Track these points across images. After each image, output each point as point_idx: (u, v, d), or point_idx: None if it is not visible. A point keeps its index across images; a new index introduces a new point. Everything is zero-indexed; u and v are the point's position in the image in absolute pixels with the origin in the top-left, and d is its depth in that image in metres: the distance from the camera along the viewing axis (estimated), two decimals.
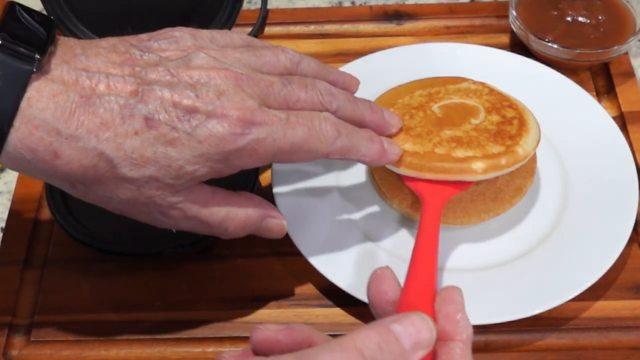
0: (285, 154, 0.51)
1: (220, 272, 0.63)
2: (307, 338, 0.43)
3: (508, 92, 0.65)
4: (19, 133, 0.45)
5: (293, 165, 0.66)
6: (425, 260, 0.49)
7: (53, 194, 0.62)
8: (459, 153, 0.58)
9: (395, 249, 0.62)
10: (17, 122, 0.45)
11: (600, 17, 0.75)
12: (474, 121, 0.61)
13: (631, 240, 0.62)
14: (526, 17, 0.75)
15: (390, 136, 0.59)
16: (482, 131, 0.60)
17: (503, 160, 0.58)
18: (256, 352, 0.43)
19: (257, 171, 0.62)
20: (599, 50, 0.72)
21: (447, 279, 0.60)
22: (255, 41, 0.56)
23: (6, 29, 0.46)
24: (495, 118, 0.61)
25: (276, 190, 0.64)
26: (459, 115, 0.61)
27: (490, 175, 0.58)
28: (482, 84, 0.65)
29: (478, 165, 0.57)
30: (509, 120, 0.61)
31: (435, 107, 0.62)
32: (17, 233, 0.66)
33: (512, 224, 0.64)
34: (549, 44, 0.73)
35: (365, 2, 0.86)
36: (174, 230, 0.54)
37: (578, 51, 0.72)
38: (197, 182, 0.51)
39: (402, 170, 0.58)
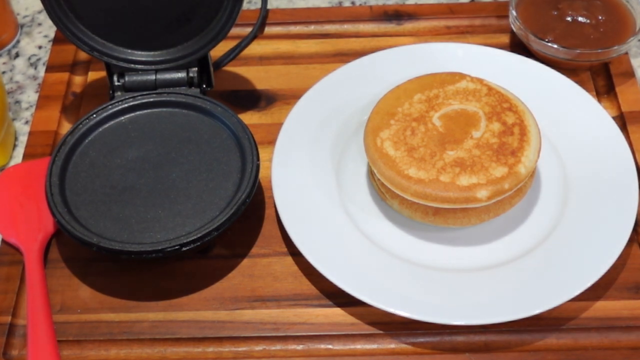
0: None
1: (220, 272, 0.63)
2: None
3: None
4: None
5: (293, 165, 0.66)
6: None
7: (53, 194, 0.62)
8: (464, 180, 0.59)
9: (395, 249, 0.62)
10: None
11: (600, 17, 0.75)
12: (476, 134, 0.62)
13: (631, 240, 0.62)
14: (526, 17, 0.75)
15: (395, 158, 0.60)
16: (484, 147, 0.61)
17: (506, 185, 0.59)
18: None
19: (257, 171, 0.62)
20: (599, 50, 0.72)
21: (447, 279, 0.60)
22: None
23: None
24: (496, 126, 0.62)
25: (276, 190, 0.64)
26: (459, 127, 0.62)
27: (494, 200, 0.60)
28: (480, 81, 0.66)
29: (482, 193, 0.59)
30: (509, 128, 0.62)
31: (435, 118, 0.63)
32: None
33: (512, 224, 0.64)
34: (549, 44, 0.73)
35: (365, 2, 0.86)
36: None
37: (578, 51, 0.72)
38: None
39: (409, 198, 0.60)
